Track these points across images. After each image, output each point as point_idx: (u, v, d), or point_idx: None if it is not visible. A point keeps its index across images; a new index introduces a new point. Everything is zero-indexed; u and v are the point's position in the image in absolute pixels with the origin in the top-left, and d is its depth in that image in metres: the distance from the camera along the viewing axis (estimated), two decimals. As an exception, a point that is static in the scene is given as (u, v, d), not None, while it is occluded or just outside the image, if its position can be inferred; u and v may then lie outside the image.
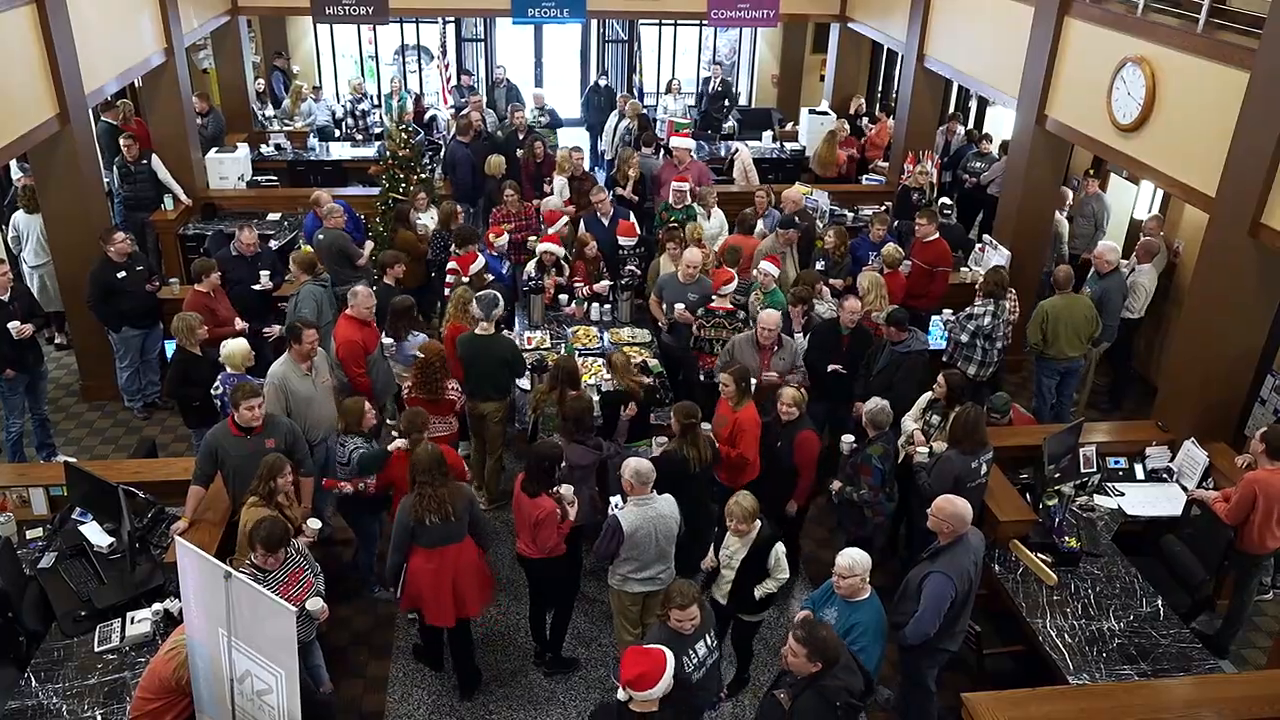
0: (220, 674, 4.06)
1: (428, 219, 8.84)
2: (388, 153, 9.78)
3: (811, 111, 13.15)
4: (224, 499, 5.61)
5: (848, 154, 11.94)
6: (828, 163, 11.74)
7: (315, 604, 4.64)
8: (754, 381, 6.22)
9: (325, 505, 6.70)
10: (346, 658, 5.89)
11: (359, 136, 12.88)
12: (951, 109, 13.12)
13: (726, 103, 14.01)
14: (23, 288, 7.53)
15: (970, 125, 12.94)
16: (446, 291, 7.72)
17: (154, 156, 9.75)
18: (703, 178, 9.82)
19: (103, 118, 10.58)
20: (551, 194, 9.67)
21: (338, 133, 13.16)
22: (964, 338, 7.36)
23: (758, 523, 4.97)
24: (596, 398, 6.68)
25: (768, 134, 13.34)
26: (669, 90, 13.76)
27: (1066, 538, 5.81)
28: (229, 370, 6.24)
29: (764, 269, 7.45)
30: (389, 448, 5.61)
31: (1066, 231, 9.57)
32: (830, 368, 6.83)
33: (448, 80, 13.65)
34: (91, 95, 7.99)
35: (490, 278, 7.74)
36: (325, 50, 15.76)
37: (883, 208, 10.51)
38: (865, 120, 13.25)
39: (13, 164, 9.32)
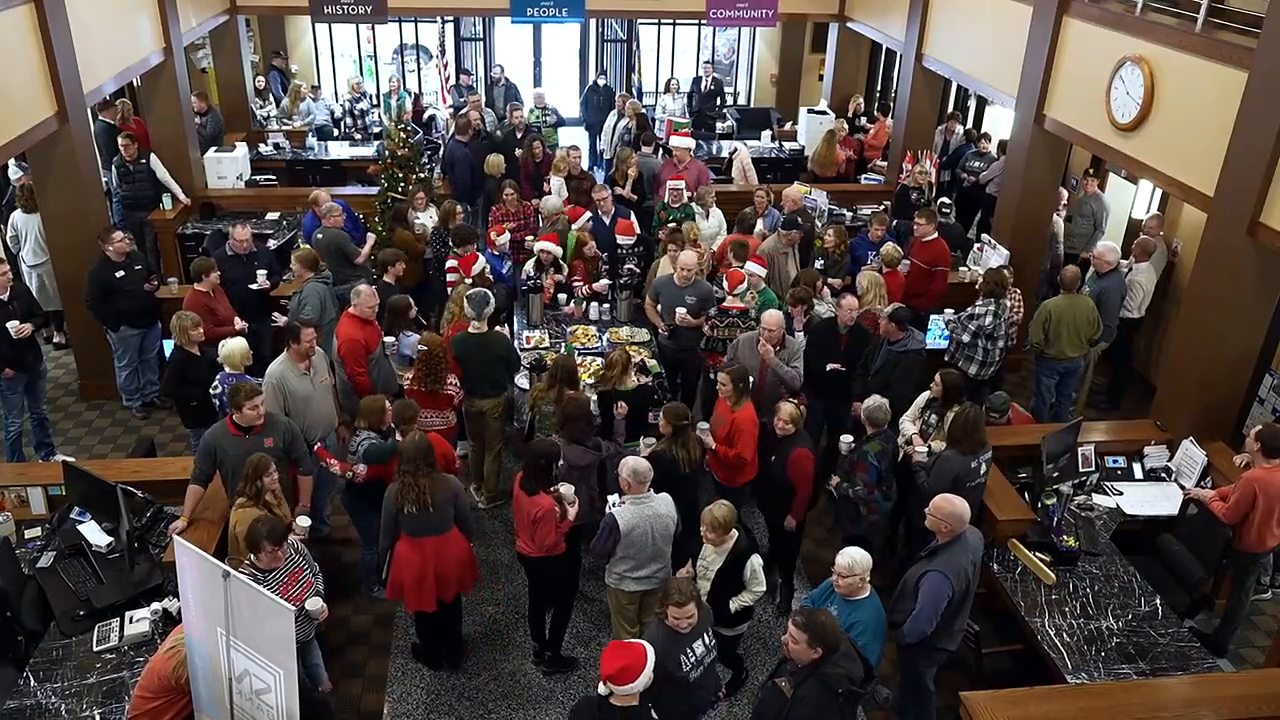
0: (219, 673, 4.06)
1: (426, 218, 8.84)
2: (386, 152, 9.78)
3: (810, 111, 13.16)
4: (223, 498, 5.60)
5: (846, 154, 11.94)
6: (827, 162, 11.74)
7: (315, 604, 4.64)
8: (752, 380, 6.22)
9: (324, 505, 6.73)
10: (345, 657, 5.90)
11: (358, 136, 12.88)
12: (950, 108, 13.12)
13: (719, 102, 14.00)
14: (22, 287, 7.53)
15: (969, 124, 12.95)
16: (450, 292, 7.72)
17: (152, 156, 9.75)
18: (702, 177, 9.82)
19: (101, 117, 10.57)
20: (550, 193, 9.67)
21: (336, 132, 13.17)
22: (965, 338, 7.36)
23: (734, 533, 4.93)
24: (594, 397, 6.69)
25: (766, 133, 13.34)
26: (667, 90, 13.77)
27: (1065, 537, 5.81)
28: (228, 370, 6.24)
29: (751, 269, 7.44)
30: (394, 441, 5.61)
31: (1062, 231, 9.58)
32: (829, 367, 6.83)
33: (446, 80, 13.64)
34: (90, 94, 7.99)
35: (490, 278, 7.76)
36: (324, 49, 15.76)
37: (881, 207, 10.52)
38: (864, 120, 13.26)
39: (11, 163, 9.31)
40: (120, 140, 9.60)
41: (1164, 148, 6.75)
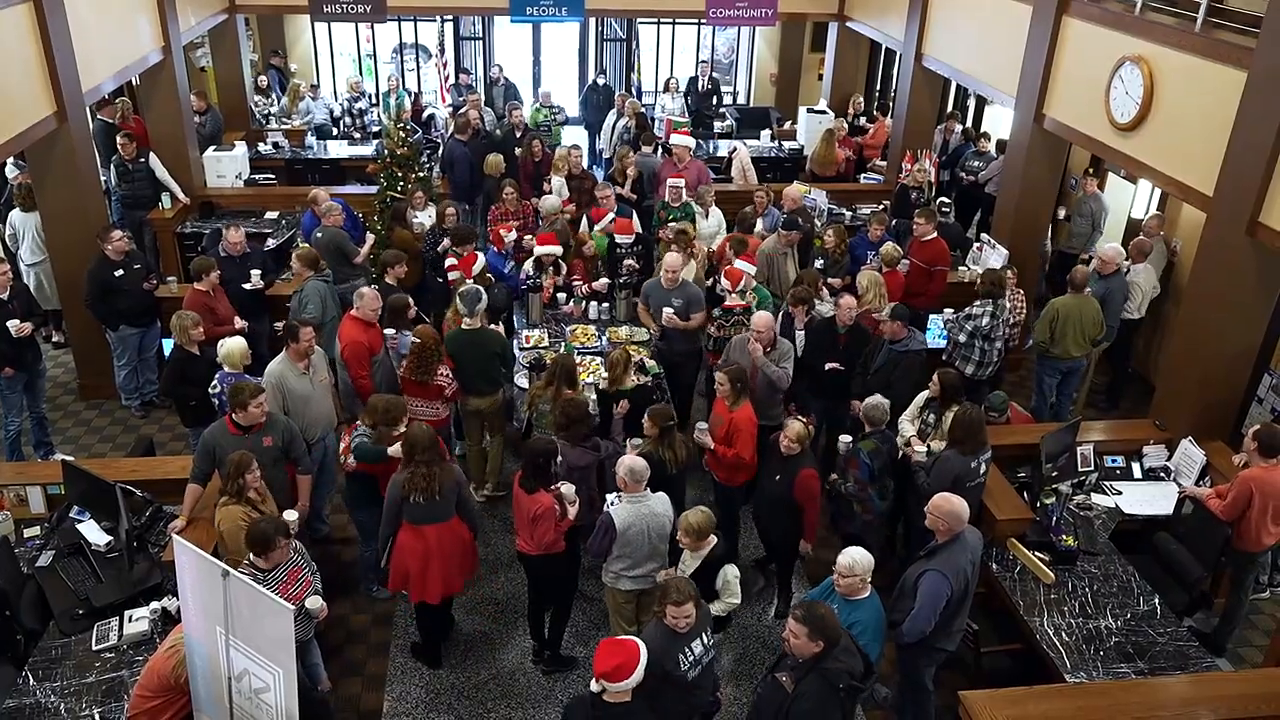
0: (218, 672, 4.06)
1: (425, 217, 8.84)
2: (385, 151, 9.78)
3: (810, 110, 13.15)
4: (222, 498, 5.60)
5: (846, 153, 11.94)
6: (826, 162, 11.74)
7: (315, 602, 4.64)
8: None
9: (324, 504, 6.73)
10: (344, 656, 5.90)
11: (357, 135, 12.86)
12: (950, 108, 13.12)
13: (715, 101, 13.99)
14: (21, 286, 7.52)
15: (968, 124, 12.95)
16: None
17: (151, 155, 9.74)
18: (702, 176, 9.82)
19: (100, 116, 10.56)
20: (550, 193, 9.67)
21: (335, 131, 13.16)
22: (962, 337, 7.36)
23: (712, 539, 4.88)
24: (594, 396, 6.70)
25: (766, 133, 13.34)
26: (667, 89, 13.76)
27: (1064, 536, 5.81)
28: (227, 369, 6.24)
29: (739, 267, 7.43)
30: (388, 451, 5.59)
31: (1048, 229, 9.58)
32: (828, 366, 6.83)
33: (446, 79, 13.64)
34: (89, 93, 7.98)
35: (491, 277, 7.75)
36: (323, 48, 15.75)
37: (881, 207, 10.52)
38: (864, 119, 13.25)
39: (9, 162, 9.31)
40: (119, 139, 9.59)
41: (1163, 147, 6.75)
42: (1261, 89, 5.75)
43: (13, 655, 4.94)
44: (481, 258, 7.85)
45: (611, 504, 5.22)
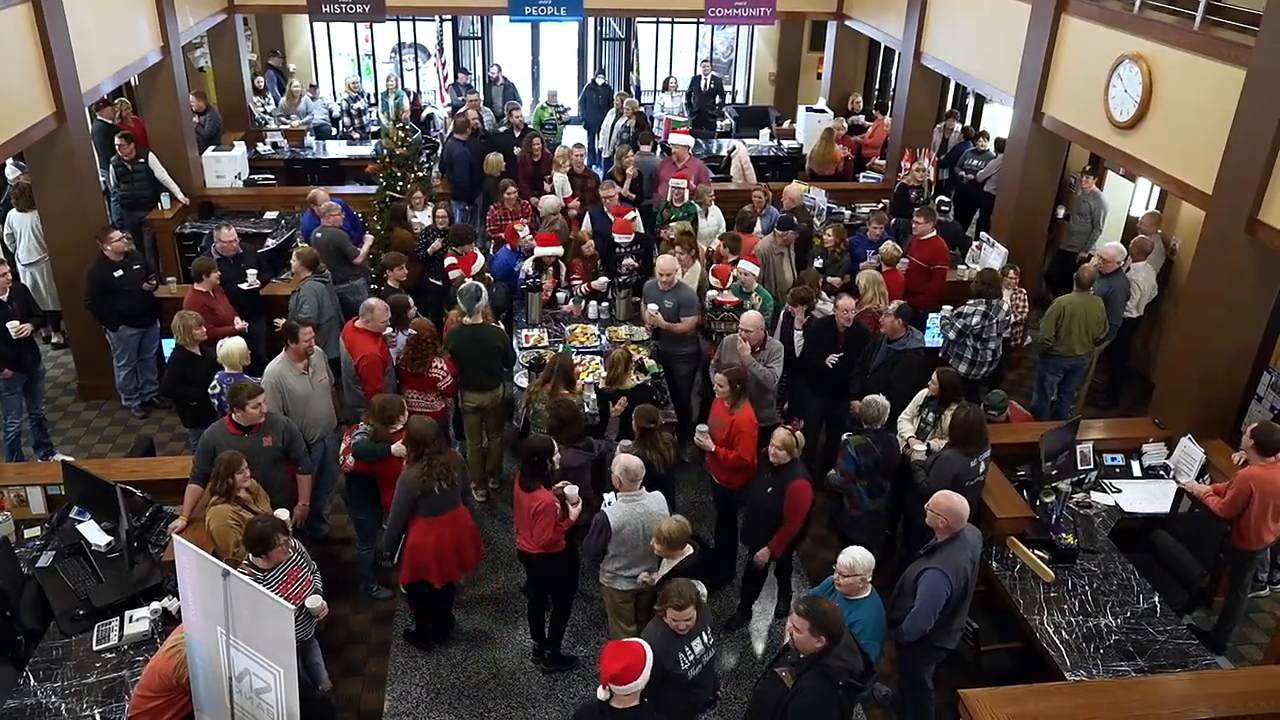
0: (219, 672, 4.06)
1: (424, 217, 8.84)
2: (385, 151, 9.78)
3: (809, 109, 13.15)
4: (222, 498, 5.60)
5: (844, 152, 11.95)
6: (825, 160, 11.74)
7: (315, 601, 4.65)
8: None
9: (323, 504, 6.73)
10: (345, 655, 5.90)
11: (356, 135, 12.86)
12: (949, 106, 13.12)
13: (718, 100, 13.99)
14: (20, 287, 7.51)
15: (967, 122, 12.96)
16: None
17: (151, 155, 9.73)
18: (701, 176, 9.82)
19: (99, 116, 10.56)
20: (550, 192, 9.67)
21: (334, 131, 13.15)
22: (951, 335, 7.38)
23: (688, 549, 4.81)
24: (593, 396, 6.70)
25: (765, 132, 13.34)
26: (665, 88, 13.75)
27: (1063, 534, 5.82)
28: (226, 369, 6.24)
29: (744, 268, 7.43)
30: (391, 449, 5.61)
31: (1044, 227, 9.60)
32: (830, 357, 6.83)
33: (445, 78, 13.63)
34: (88, 94, 7.98)
35: (490, 276, 7.75)
36: (322, 48, 15.74)
37: (880, 205, 10.52)
38: (862, 117, 13.26)
39: (9, 163, 9.30)
40: (117, 140, 9.59)
41: (1162, 145, 6.75)
42: (1260, 87, 5.75)
43: (13, 656, 4.94)
44: (480, 257, 7.85)
45: (608, 503, 5.22)
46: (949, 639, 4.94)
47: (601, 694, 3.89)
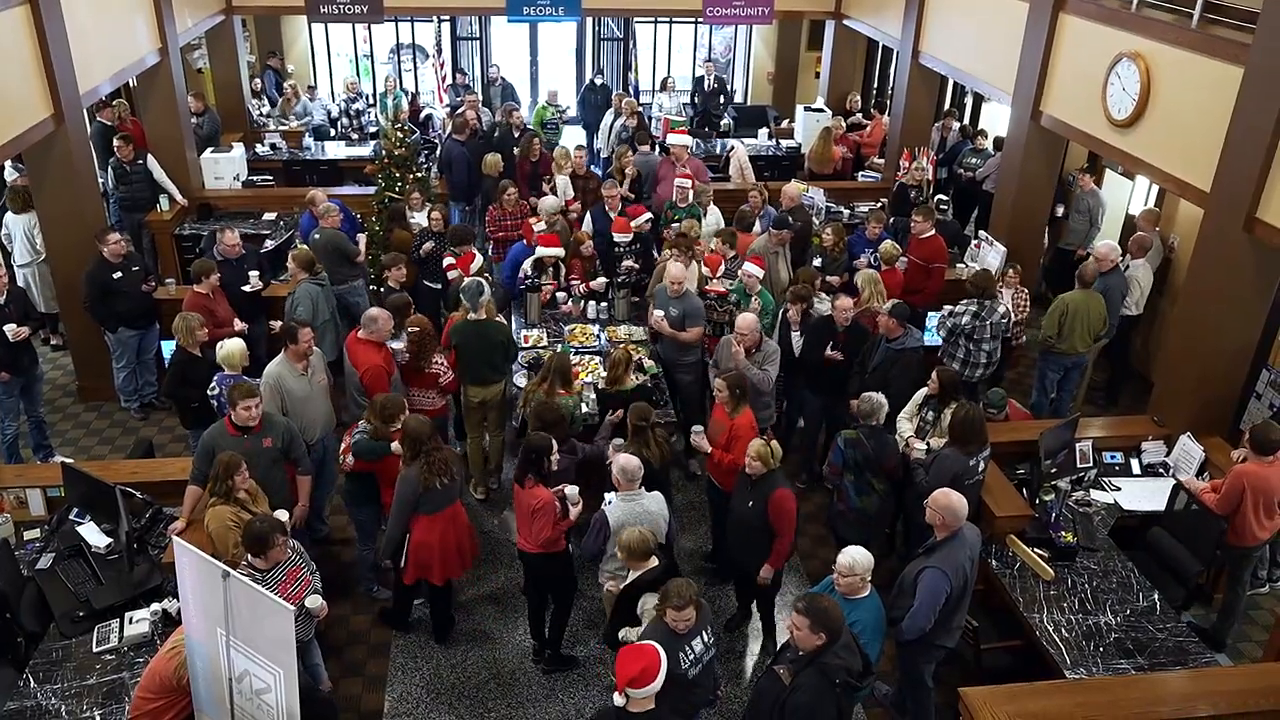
0: (219, 674, 4.07)
1: (423, 218, 8.85)
2: (383, 152, 9.78)
3: (807, 109, 13.16)
4: (221, 499, 5.60)
5: (843, 151, 11.95)
6: (823, 160, 11.75)
7: (315, 601, 4.65)
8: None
9: (323, 505, 6.73)
10: (345, 656, 5.90)
11: (354, 135, 12.87)
12: (947, 105, 13.12)
13: (722, 99, 14.00)
14: (18, 290, 7.52)
15: (966, 121, 12.96)
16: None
17: (149, 157, 9.73)
18: (700, 175, 9.83)
19: (99, 118, 10.56)
20: (548, 193, 9.67)
21: (333, 132, 13.16)
22: (941, 333, 7.39)
23: (653, 560, 4.73)
24: (593, 395, 6.70)
25: (763, 131, 13.34)
26: (663, 88, 13.74)
27: (1063, 533, 5.82)
28: (226, 370, 6.24)
29: (748, 270, 7.43)
30: (391, 447, 5.62)
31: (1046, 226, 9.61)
32: (828, 353, 6.83)
33: (443, 79, 13.64)
34: (86, 95, 7.97)
35: (489, 275, 7.76)
36: (320, 49, 15.74)
37: (879, 204, 10.52)
38: (860, 116, 13.26)
39: (8, 164, 9.30)
40: (116, 141, 9.59)
41: (1160, 143, 6.76)
42: (1258, 84, 5.75)
43: (13, 658, 4.94)
44: (479, 257, 7.86)
45: (608, 503, 5.22)
46: (949, 637, 4.95)
47: (618, 700, 3.86)
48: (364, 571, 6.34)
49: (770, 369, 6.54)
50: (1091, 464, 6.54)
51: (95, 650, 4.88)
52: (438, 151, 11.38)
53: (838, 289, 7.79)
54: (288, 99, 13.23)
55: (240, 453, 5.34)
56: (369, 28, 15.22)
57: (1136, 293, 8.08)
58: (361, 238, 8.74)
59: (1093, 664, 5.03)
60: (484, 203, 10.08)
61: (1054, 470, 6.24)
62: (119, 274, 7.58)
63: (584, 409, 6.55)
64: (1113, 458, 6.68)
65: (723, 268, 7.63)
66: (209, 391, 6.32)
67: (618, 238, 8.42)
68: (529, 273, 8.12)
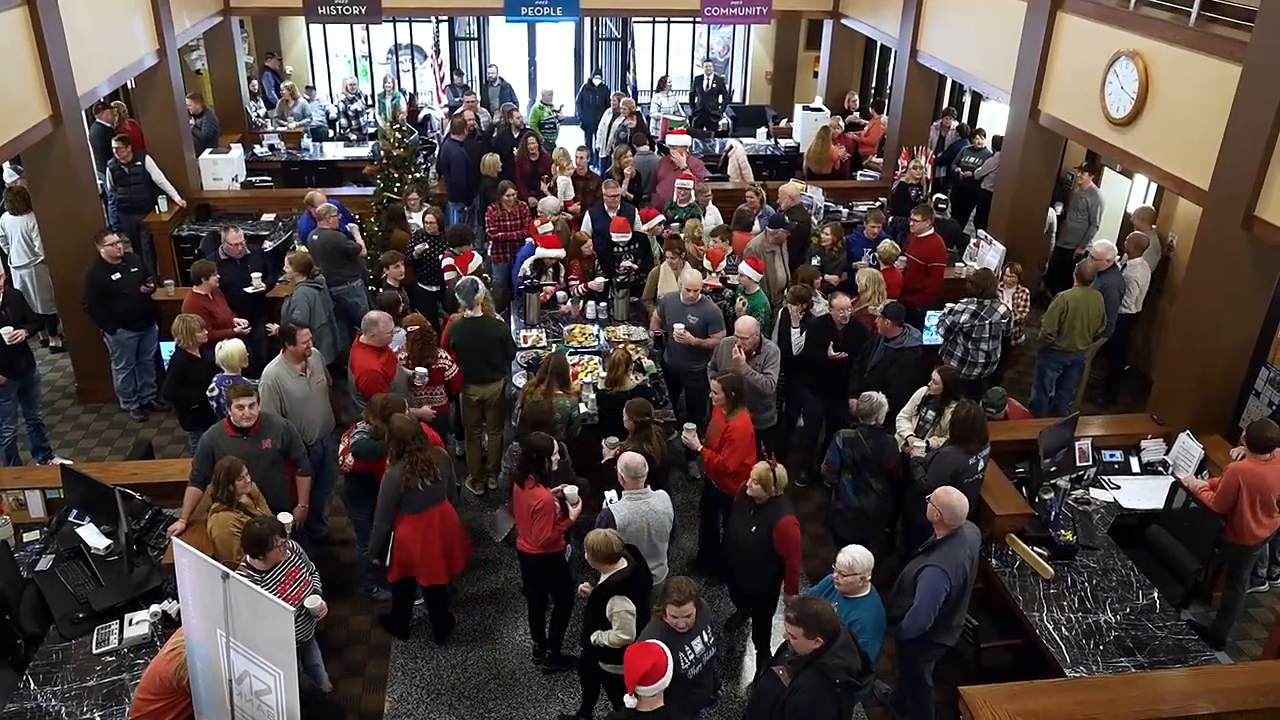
0: (219, 675, 4.06)
1: (420, 218, 8.85)
2: (382, 152, 9.78)
3: (805, 108, 13.15)
4: (221, 500, 5.60)
5: (842, 151, 11.95)
6: (822, 159, 11.75)
7: (314, 601, 4.65)
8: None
9: (323, 506, 6.73)
10: (345, 657, 5.90)
11: (353, 136, 12.86)
12: (945, 104, 13.12)
13: (721, 99, 13.99)
14: (15, 292, 7.50)
15: (964, 120, 12.96)
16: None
17: (148, 158, 9.73)
18: (699, 175, 9.82)
19: (97, 120, 10.55)
20: (547, 194, 9.67)
21: (331, 133, 13.15)
22: (940, 331, 7.39)
23: (621, 563, 4.68)
24: (592, 395, 6.70)
25: (762, 131, 13.34)
26: (661, 87, 13.73)
27: (1062, 531, 5.82)
28: (225, 371, 6.24)
29: (744, 271, 7.42)
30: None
31: (1052, 223, 9.61)
32: (830, 353, 6.83)
33: (441, 79, 13.63)
34: (84, 97, 7.97)
35: (487, 275, 7.76)
36: (318, 50, 15.74)
37: (878, 204, 10.53)
38: (857, 115, 13.26)
39: (6, 166, 9.30)
40: (114, 143, 9.58)
41: (1158, 142, 6.76)
42: (1256, 82, 5.76)
43: (13, 659, 4.93)
44: (478, 257, 7.86)
45: (610, 501, 5.22)
46: (948, 636, 4.95)
47: (630, 701, 3.85)
48: (364, 572, 6.33)
49: (771, 371, 6.53)
50: (1091, 462, 6.54)
51: (95, 652, 4.88)
52: (436, 152, 11.38)
53: (836, 288, 7.79)
54: (286, 100, 13.23)
55: (239, 454, 5.34)
56: (367, 28, 15.20)
57: (1135, 291, 8.08)
58: (352, 227, 8.66)
59: (1092, 662, 5.03)
60: (482, 203, 10.08)
61: (1053, 469, 6.24)
62: (117, 275, 7.58)
63: (583, 409, 6.55)
64: (1112, 456, 6.69)
65: (724, 263, 7.66)
66: (208, 393, 6.31)
67: (616, 237, 8.42)
68: (529, 273, 8.13)
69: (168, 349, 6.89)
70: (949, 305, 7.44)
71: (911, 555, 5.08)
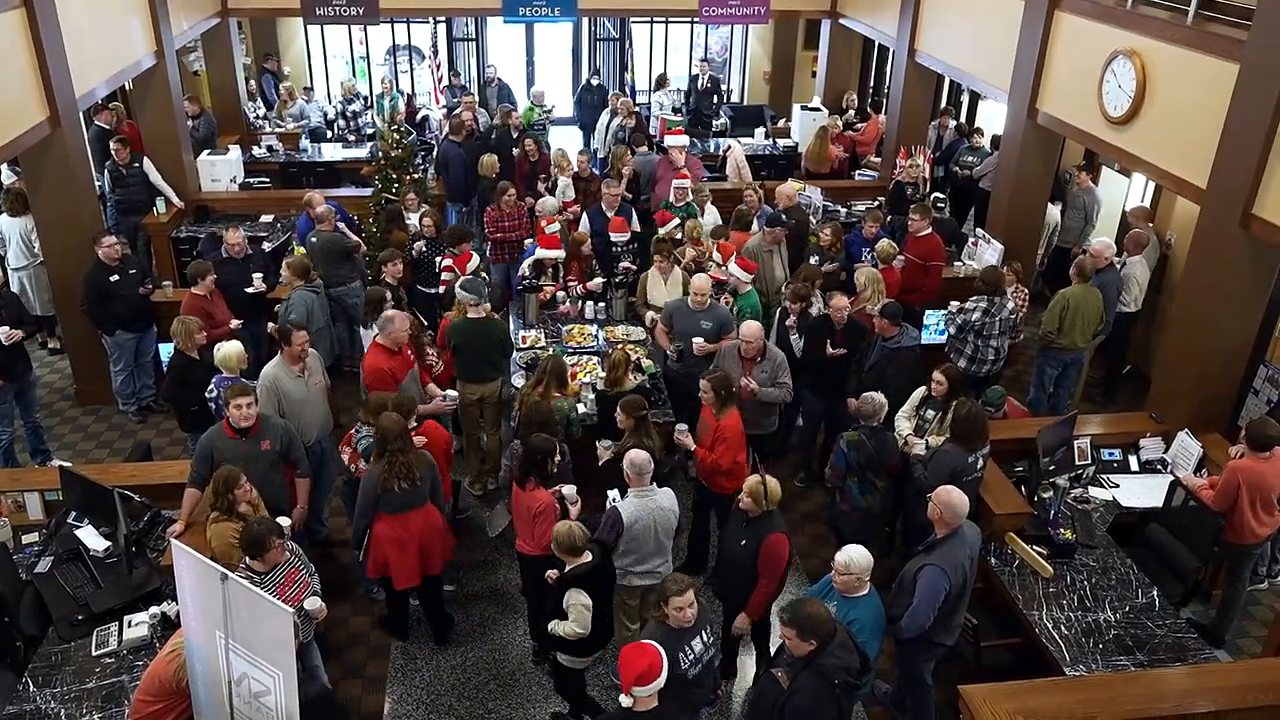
0: (218, 676, 4.06)
1: (418, 219, 8.85)
2: (380, 153, 9.78)
3: (804, 108, 13.16)
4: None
5: (840, 150, 11.95)
6: (820, 159, 11.75)
7: (314, 603, 4.65)
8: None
9: (322, 507, 6.73)
10: (344, 658, 5.90)
11: (351, 137, 12.86)
12: (943, 103, 13.13)
13: (716, 99, 13.99)
14: (11, 294, 7.50)
15: (962, 119, 12.96)
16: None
17: (145, 159, 9.72)
18: (697, 174, 9.82)
19: (95, 121, 10.55)
20: (545, 194, 9.66)
21: (330, 134, 13.15)
22: (951, 329, 7.40)
23: (586, 555, 4.72)
24: (591, 396, 6.70)
25: (760, 130, 13.34)
26: (659, 86, 13.73)
27: (1062, 530, 5.82)
28: (224, 373, 6.23)
29: (733, 271, 7.39)
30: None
31: (1056, 222, 9.61)
32: (830, 351, 6.82)
33: (439, 80, 13.63)
34: (82, 99, 7.97)
35: (486, 275, 7.76)
36: (316, 51, 15.73)
37: (876, 203, 10.53)
38: (854, 114, 13.26)
39: (4, 168, 9.29)
40: (112, 144, 9.57)
41: (1156, 140, 6.76)
42: (1253, 81, 5.76)
43: (12, 661, 4.93)
44: (476, 257, 7.86)
45: (615, 499, 5.22)
46: (948, 635, 4.95)
47: (625, 701, 3.86)
48: (363, 573, 6.32)
49: (786, 381, 6.48)
50: (1090, 461, 6.55)
51: (94, 654, 4.87)
52: (434, 153, 11.38)
53: (833, 288, 7.78)
54: (284, 101, 13.22)
55: (238, 455, 5.35)
56: (365, 29, 15.19)
57: (1134, 290, 8.09)
58: (343, 226, 8.66)
59: (1092, 661, 5.03)
60: (481, 204, 10.07)
61: (1052, 467, 6.24)
62: (116, 277, 7.57)
63: (581, 409, 6.54)
64: (1111, 454, 6.69)
65: (733, 258, 7.61)
66: (207, 394, 6.31)
67: (615, 238, 8.41)
68: (527, 273, 8.12)
69: (166, 351, 6.88)
70: (957, 304, 7.44)
71: (911, 554, 5.08)
